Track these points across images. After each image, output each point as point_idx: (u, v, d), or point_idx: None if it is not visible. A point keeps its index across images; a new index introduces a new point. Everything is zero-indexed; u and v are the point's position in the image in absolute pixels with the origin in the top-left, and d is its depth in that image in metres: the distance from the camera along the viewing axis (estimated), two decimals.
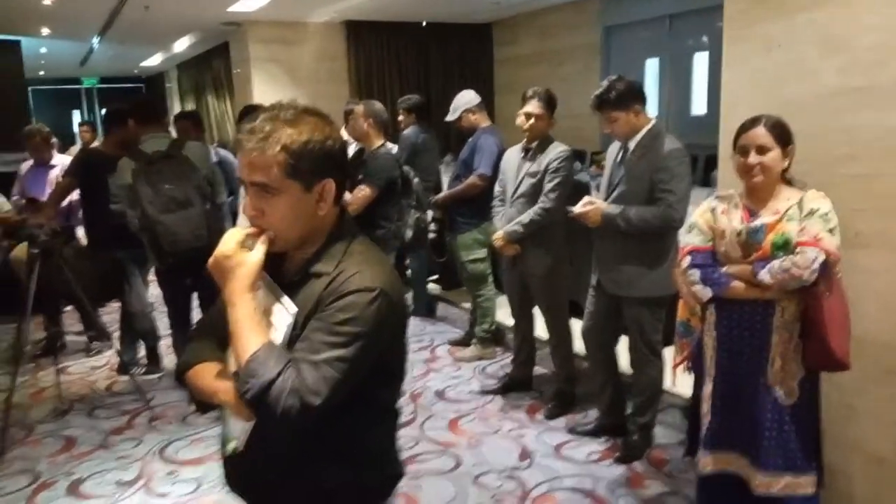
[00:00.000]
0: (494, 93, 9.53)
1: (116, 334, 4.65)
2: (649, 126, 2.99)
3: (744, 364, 2.27)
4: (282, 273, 1.40)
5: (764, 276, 2.16)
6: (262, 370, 1.21)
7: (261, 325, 1.28)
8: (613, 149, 3.19)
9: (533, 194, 3.53)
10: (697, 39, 6.87)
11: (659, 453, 3.24)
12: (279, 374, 1.21)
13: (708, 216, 2.34)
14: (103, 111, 17.99)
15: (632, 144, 3.00)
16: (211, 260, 1.32)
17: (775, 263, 2.14)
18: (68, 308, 5.06)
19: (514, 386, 3.97)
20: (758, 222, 2.22)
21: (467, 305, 5.03)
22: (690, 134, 6.85)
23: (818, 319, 2.15)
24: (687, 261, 2.32)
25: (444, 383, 4.15)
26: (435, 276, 5.78)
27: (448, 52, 9.24)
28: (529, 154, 3.59)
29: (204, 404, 1.44)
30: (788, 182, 2.30)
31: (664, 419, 3.42)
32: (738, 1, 2.79)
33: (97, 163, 4.07)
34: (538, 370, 4.07)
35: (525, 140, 3.62)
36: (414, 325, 5.26)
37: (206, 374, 1.39)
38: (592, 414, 3.56)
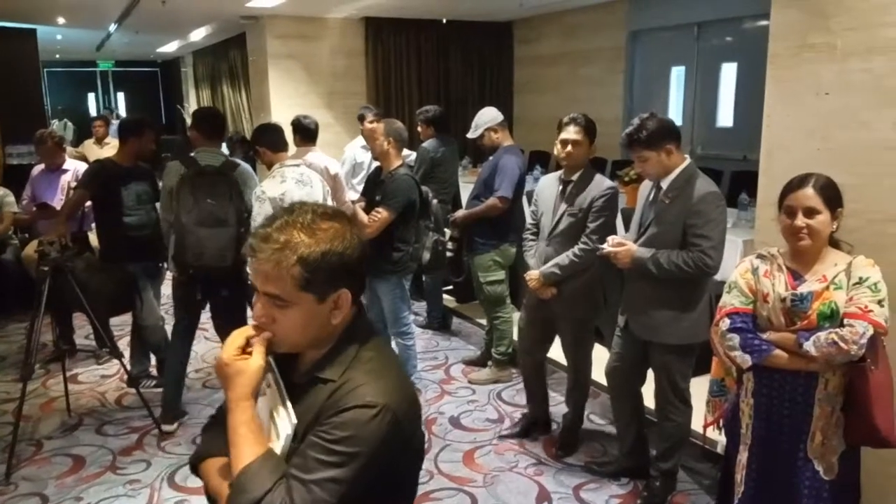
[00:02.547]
0: (514, 91, 9.39)
1: (126, 340, 4.61)
2: (683, 166, 2.82)
3: (783, 435, 2.16)
4: (293, 371, 1.34)
5: (809, 347, 2.04)
6: (251, 486, 1.17)
7: (257, 434, 1.23)
8: (646, 187, 3.05)
9: (573, 234, 3.27)
10: (726, 49, 6.69)
11: (681, 499, 3.14)
12: (267, 493, 1.16)
13: (749, 277, 2.22)
14: (117, 94, 18.02)
15: (664, 184, 2.85)
16: (216, 364, 1.29)
17: (821, 335, 2.03)
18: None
19: (533, 429, 3.74)
20: (804, 289, 2.10)
21: (482, 321, 4.94)
22: (716, 146, 6.72)
23: (863, 394, 2.04)
24: (726, 323, 2.20)
25: (460, 408, 4.06)
26: (449, 287, 5.69)
27: (468, 49, 9.09)
28: (570, 188, 3.29)
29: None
30: (835, 244, 2.18)
31: (688, 462, 3.32)
32: (785, 39, 2.65)
33: (111, 174, 3.98)
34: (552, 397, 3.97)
35: (563, 171, 3.34)
36: (428, 339, 5.18)
37: (214, 474, 1.34)
38: (612, 452, 3.47)
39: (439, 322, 5.42)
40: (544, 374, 3.76)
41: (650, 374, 3.07)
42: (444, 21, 8.84)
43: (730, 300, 2.22)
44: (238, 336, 1.29)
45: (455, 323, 5.46)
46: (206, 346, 5.04)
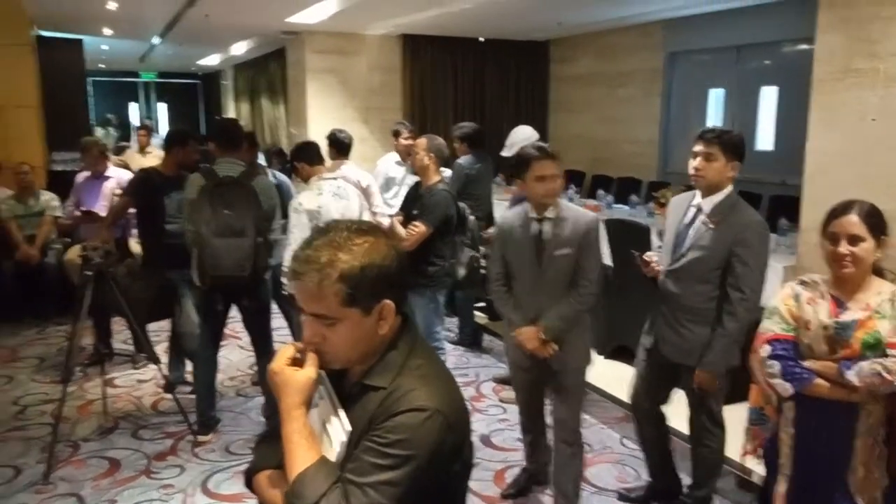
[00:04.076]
0: (549, 110, 9.41)
1: (161, 346, 4.69)
2: (728, 191, 2.77)
3: (824, 467, 2.13)
4: (344, 381, 1.37)
5: (852, 377, 2.01)
6: (306, 491, 1.20)
7: (311, 442, 1.26)
8: (679, 206, 2.95)
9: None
10: (766, 72, 6.65)
11: None
12: (323, 496, 1.18)
13: (791, 303, 2.19)
14: (158, 105, 18.43)
15: (706, 206, 2.79)
16: (268, 372, 1.32)
17: (864, 365, 2.00)
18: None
19: (529, 486, 3.39)
20: (847, 317, 2.08)
21: None
22: (754, 169, 6.64)
23: None
24: (767, 350, 2.17)
25: (490, 427, 4.05)
26: (481, 305, 5.70)
27: (504, 67, 9.16)
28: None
29: None
30: (879, 272, 2.15)
31: (723, 490, 3.26)
32: (829, 63, 2.63)
33: (155, 183, 4.08)
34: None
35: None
36: (458, 356, 5.18)
37: (267, 485, 1.36)
38: (644, 476, 3.42)
39: (470, 339, 5.42)
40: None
41: (682, 397, 3.03)
42: (481, 39, 8.92)
43: (770, 326, 2.20)
44: (290, 347, 1.33)
45: (486, 340, 5.46)
46: (239, 355, 5.10)
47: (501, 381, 4.69)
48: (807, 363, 2.11)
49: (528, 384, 3.11)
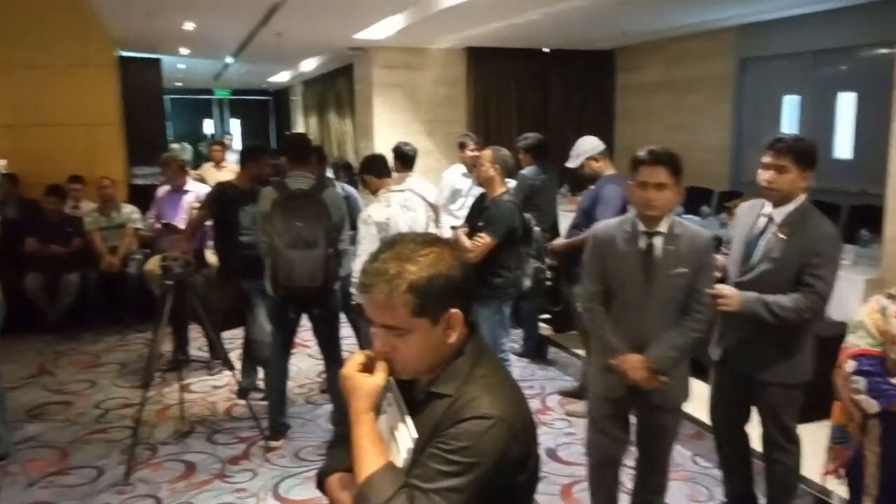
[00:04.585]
0: (615, 120, 9.31)
1: (236, 353, 4.84)
2: (801, 201, 2.68)
3: None
4: (411, 389, 1.40)
5: None
6: (373, 494, 1.22)
7: (379, 446, 1.29)
8: (748, 214, 2.85)
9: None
10: (843, 78, 6.40)
11: None
12: (389, 500, 1.21)
13: (877, 317, 2.11)
14: (231, 121, 19.06)
15: (778, 216, 2.70)
16: (339, 378, 1.37)
17: None
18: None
19: None
20: None
21: (580, 352, 4.88)
22: (831, 179, 6.40)
23: None
24: (851, 365, 2.09)
25: (557, 440, 4.01)
26: (547, 316, 5.66)
27: (568, 77, 9.12)
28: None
29: None
30: None
31: None
32: None
33: (231, 196, 4.23)
34: None
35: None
36: (523, 368, 5.15)
37: (337, 487, 1.41)
38: (716, 493, 3.32)
39: (535, 350, 5.39)
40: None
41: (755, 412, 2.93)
42: (546, 50, 8.91)
43: (855, 341, 2.12)
44: (361, 354, 1.37)
45: (552, 352, 5.41)
46: (308, 364, 5.21)
47: (568, 394, 4.64)
48: (894, 379, 2.02)
49: (612, 417, 2.76)
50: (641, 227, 2.56)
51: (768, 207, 2.75)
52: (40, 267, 5.80)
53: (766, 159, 2.65)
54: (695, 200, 6.87)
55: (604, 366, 2.66)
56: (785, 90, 6.94)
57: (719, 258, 2.90)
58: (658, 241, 2.54)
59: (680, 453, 3.81)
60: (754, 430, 3.01)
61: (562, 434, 4.10)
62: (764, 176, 2.66)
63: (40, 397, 4.73)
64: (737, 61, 7.31)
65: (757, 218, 2.79)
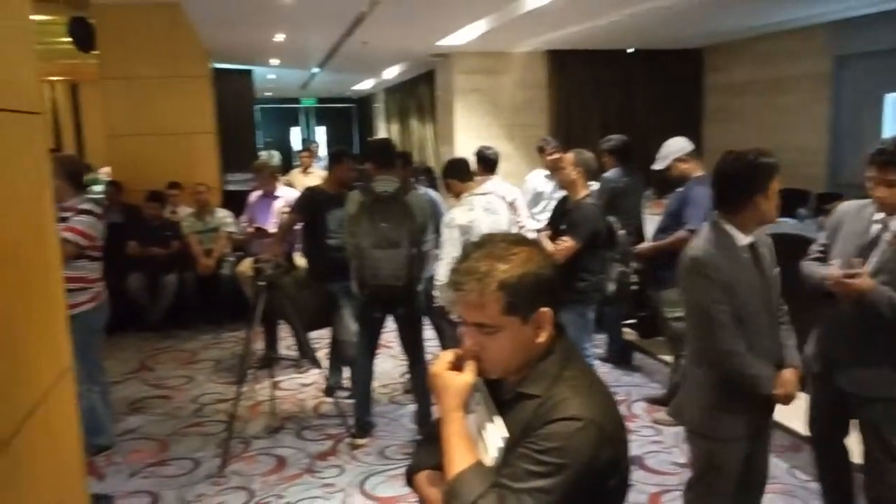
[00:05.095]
0: (702, 121, 9.05)
1: (323, 353, 4.98)
2: None
3: None
4: (500, 389, 1.41)
5: None
6: (463, 491, 1.24)
7: (468, 444, 1.30)
8: (854, 216, 2.69)
9: None
10: None
11: None
12: (479, 498, 1.22)
13: None
14: (317, 128, 19.62)
15: (894, 225, 2.54)
16: (429, 376, 1.40)
17: None
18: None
19: None
20: None
21: (667, 358, 4.76)
22: None
23: None
24: None
25: (644, 448, 3.92)
26: (632, 322, 5.55)
27: (653, 78, 8.93)
28: None
29: None
30: None
31: None
32: None
33: (320, 200, 4.37)
34: None
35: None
36: (607, 373, 5.07)
37: (426, 483, 1.44)
38: None
39: (619, 356, 5.30)
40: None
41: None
42: (630, 51, 8.75)
43: None
44: (450, 352, 1.40)
45: (637, 358, 5.31)
46: (392, 364, 5.30)
47: (655, 401, 4.54)
48: None
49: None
50: (744, 240, 2.38)
51: (881, 213, 2.59)
52: (141, 268, 6.15)
53: (871, 173, 2.52)
54: (789, 202, 6.59)
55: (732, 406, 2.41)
56: (887, 88, 6.57)
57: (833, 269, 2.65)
58: (761, 249, 2.43)
59: (776, 465, 3.66)
60: (855, 443, 2.87)
61: (648, 442, 4.01)
62: (875, 193, 2.53)
63: (141, 391, 5.01)
64: (833, 59, 6.98)
65: (869, 224, 2.63)
